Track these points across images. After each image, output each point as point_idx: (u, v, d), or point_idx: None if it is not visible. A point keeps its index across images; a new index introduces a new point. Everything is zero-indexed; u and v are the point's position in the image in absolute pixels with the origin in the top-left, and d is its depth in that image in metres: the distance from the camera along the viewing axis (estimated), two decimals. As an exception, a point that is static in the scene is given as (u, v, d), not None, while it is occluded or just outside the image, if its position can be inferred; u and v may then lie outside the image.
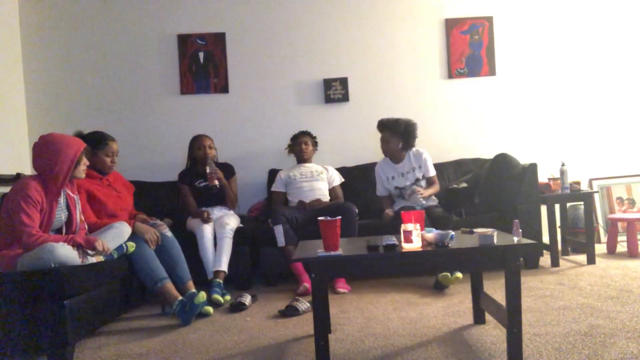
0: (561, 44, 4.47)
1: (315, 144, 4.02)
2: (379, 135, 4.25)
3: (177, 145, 4.14)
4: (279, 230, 3.31)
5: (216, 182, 3.49)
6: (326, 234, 1.94)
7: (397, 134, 3.53)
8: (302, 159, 3.93)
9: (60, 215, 2.44)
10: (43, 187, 2.35)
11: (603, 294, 2.71)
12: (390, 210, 3.52)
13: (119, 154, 3.16)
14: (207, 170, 3.48)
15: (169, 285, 2.72)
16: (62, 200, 2.46)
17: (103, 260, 2.46)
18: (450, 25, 4.39)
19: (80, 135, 3.02)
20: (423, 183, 3.58)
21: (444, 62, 4.42)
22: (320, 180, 3.82)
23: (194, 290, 2.83)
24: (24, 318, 2.06)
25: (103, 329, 2.63)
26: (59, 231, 2.47)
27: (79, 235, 2.48)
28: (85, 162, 2.53)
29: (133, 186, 3.26)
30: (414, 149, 3.62)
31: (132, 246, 2.65)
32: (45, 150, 2.38)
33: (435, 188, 3.56)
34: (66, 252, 2.22)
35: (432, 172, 3.60)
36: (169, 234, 3.00)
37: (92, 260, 2.39)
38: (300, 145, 3.90)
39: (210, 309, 2.82)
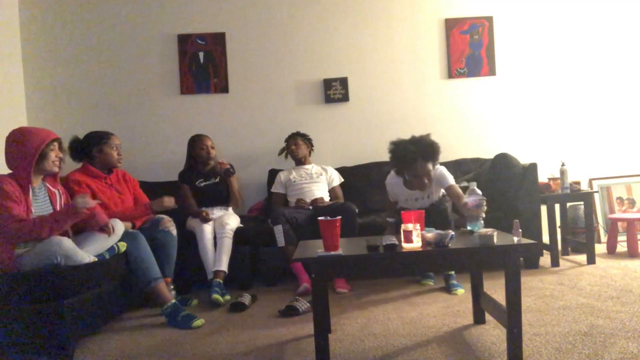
0: (561, 44, 4.47)
1: (308, 143, 4.01)
2: (379, 135, 4.26)
3: (177, 145, 4.14)
4: (278, 230, 3.31)
5: (227, 165, 3.57)
6: (326, 234, 1.94)
7: (431, 160, 2.86)
8: (297, 160, 3.93)
9: (39, 212, 2.38)
10: (15, 181, 2.33)
11: (603, 294, 2.71)
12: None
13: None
14: (219, 160, 3.59)
15: (162, 285, 2.72)
16: (41, 197, 2.42)
17: (96, 260, 2.43)
18: (450, 25, 4.39)
19: (76, 140, 3.03)
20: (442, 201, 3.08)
21: (444, 62, 4.42)
22: (319, 182, 3.82)
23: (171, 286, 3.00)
24: (24, 318, 2.06)
25: (103, 329, 2.63)
26: None
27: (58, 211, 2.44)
28: (57, 153, 2.47)
29: (137, 181, 3.29)
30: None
31: (123, 246, 2.64)
32: (9, 144, 2.36)
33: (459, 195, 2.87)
34: (73, 246, 2.23)
35: (450, 182, 2.93)
36: (174, 232, 3.07)
37: (87, 258, 2.36)
38: (290, 147, 3.92)
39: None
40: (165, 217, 3.09)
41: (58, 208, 2.49)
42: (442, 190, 3.03)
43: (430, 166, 2.85)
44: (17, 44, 4.13)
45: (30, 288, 2.07)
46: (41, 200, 2.42)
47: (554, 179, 3.87)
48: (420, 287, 3.15)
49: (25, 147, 2.33)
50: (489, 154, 4.01)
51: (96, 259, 2.42)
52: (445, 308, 2.64)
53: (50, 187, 2.49)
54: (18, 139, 2.36)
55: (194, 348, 2.24)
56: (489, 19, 4.41)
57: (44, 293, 2.07)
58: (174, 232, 3.07)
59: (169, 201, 3.06)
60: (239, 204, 3.73)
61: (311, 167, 3.92)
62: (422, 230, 2.05)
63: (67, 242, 2.22)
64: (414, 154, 2.78)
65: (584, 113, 4.47)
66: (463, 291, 2.96)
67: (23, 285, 2.08)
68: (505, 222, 3.23)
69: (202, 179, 3.65)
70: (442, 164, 3.80)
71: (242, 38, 4.32)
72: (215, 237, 3.31)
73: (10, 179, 2.32)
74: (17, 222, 2.22)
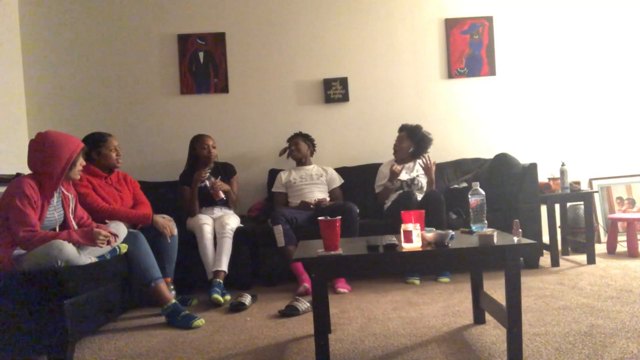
0: (561, 44, 4.47)
1: (311, 144, 4.01)
2: (379, 135, 4.27)
3: (178, 145, 4.14)
4: (278, 230, 3.31)
5: (222, 195, 3.49)
6: (326, 233, 1.94)
7: (412, 139, 3.79)
8: (297, 160, 3.93)
9: (54, 214, 2.40)
10: (38, 185, 2.31)
11: (603, 294, 2.71)
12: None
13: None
14: (208, 185, 3.47)
15: (163, 285, 2.71)
16: (55, 200, 2.42)
17: (97, 260, 2.42)
18: (450, 25, 4.39)
19: None
20: (422, 179, 3.72)
21: (444, 62, 4.42)
22: (319, 184, 3.83)
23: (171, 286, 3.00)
24: (24, 318, 2.06)
25: (103, 329, 2.63)
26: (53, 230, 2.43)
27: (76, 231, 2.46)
28: (81, 162, 2.49)
29: (138, 183, 3.29)
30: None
31: (124, 247, 2.63)
32: (40, 149, 2.33)
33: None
34: (74, 251, 2.23)
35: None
36: (175, 232, 3.09)
37: (88, 261, 2.37)
38: (291, 148, 3.93)
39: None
40: (166, 217, 3.10)
41: (70, 212, 2.51)
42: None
43: (408, 142, 3.80)
44: (17, 43, 4.13)
45: (30, 288, 2.07)
46: (55, 204, 2.43)
47: (554, 179, 3.87)
48: (421, 287, 3.15)
49: (59, 154, 2.32)
50: (489, 154, 4.02)
51: (97, 260, 2.41)
52: (445, 308, 2.64)
53: (64, 191, 2.50)
54: (50, 145, 2.32)
55: (194, 348, 2.24)
56: (489, 19, 4.41)
57: (44, 293, 2.06)
58: (175, 231, 3.09)
59: (170, 229, 3.06)
60: (237, 206, 3.74)
61: (312, 168, 3.92)
62: (422, 230, 2.05)
63: (68, 247, 2.20)
64: (404, 126, 3.86)
65: (584, 113, 4.47)
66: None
67: (23, 285, 2.08)
68: (505, 222, 3.23)
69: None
70: (442, 164, 3.88)
71: (242, 38, 4.32)
72: (215, 237, 3.31)
73: (32, 182, 2.30)
74: (29, 232, 2.21)
